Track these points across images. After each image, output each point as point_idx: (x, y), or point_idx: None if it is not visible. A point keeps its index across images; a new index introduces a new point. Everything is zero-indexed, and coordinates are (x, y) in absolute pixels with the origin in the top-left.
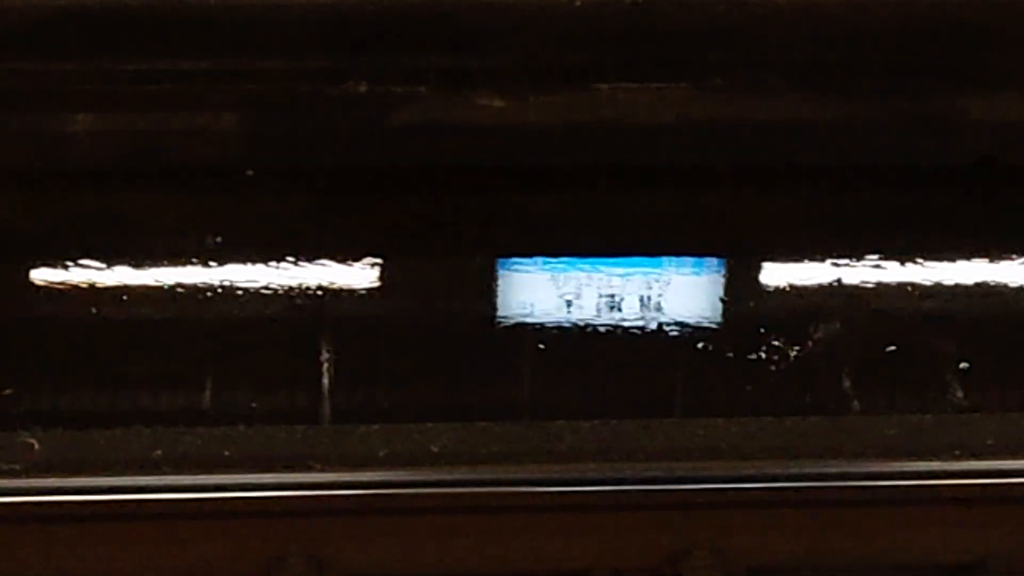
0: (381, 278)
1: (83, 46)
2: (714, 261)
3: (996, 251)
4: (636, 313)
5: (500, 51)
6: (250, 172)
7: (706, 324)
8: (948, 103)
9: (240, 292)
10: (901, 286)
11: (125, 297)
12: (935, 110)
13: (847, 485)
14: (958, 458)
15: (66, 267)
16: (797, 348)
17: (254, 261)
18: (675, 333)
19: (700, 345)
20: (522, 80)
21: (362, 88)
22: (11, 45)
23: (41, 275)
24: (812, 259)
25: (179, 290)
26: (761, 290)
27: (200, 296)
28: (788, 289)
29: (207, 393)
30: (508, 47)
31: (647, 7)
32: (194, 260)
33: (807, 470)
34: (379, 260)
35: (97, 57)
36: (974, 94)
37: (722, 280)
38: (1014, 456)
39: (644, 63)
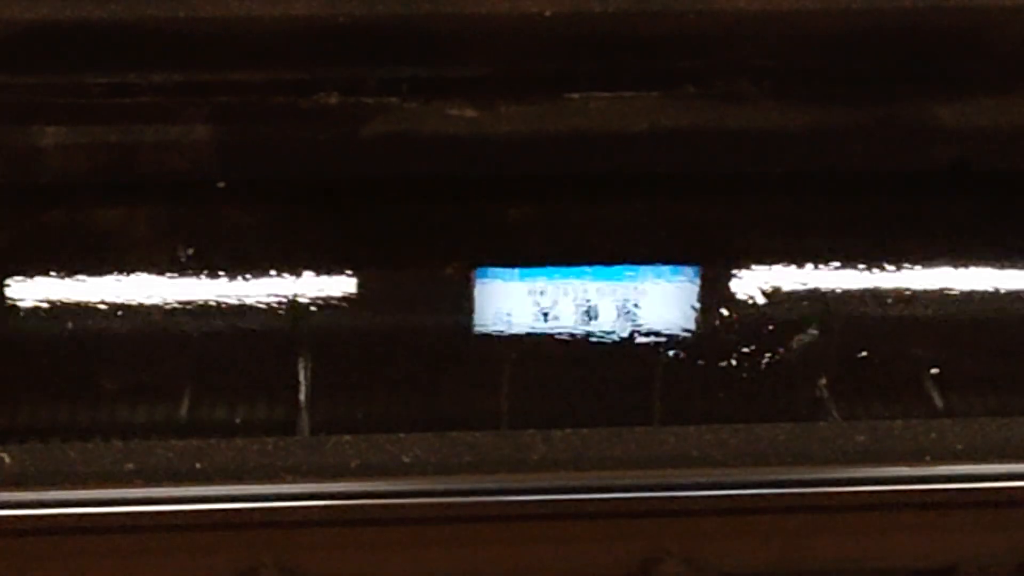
0: (355, 289)
1: (54, 59)
2: (688, 269)
3: (969, 256)
4: (611, 322)
5: (472, 61)
6: (222, 184)
7: (680, 332)
8: (921, 109)
9: (212, 304)
10: (874, 292)
11: (97, 310)
12: (907, 116)
13: (818, 491)
14: (928, 463)
15: (36, 281)
16: (769, 355)
17: (226, 273)
18: (650, 342)
19: (674, 353)
20: (494, 90)
21: (333, 99)
22: None
23: (12, 289)
24: (785, 266)
25: (151, 303)
26: (735, 298)
27: (172, 309)
28: (761, 296)
29: (180, 406)
30: (479, 57)
31: (618, 16)
32: (166, 273)
33: (778, 477)
34: (352, 271)
35: (68, 70)
36: (946, 100)
37: (696, 288)
38: (984, 461)
39: (616, 72)
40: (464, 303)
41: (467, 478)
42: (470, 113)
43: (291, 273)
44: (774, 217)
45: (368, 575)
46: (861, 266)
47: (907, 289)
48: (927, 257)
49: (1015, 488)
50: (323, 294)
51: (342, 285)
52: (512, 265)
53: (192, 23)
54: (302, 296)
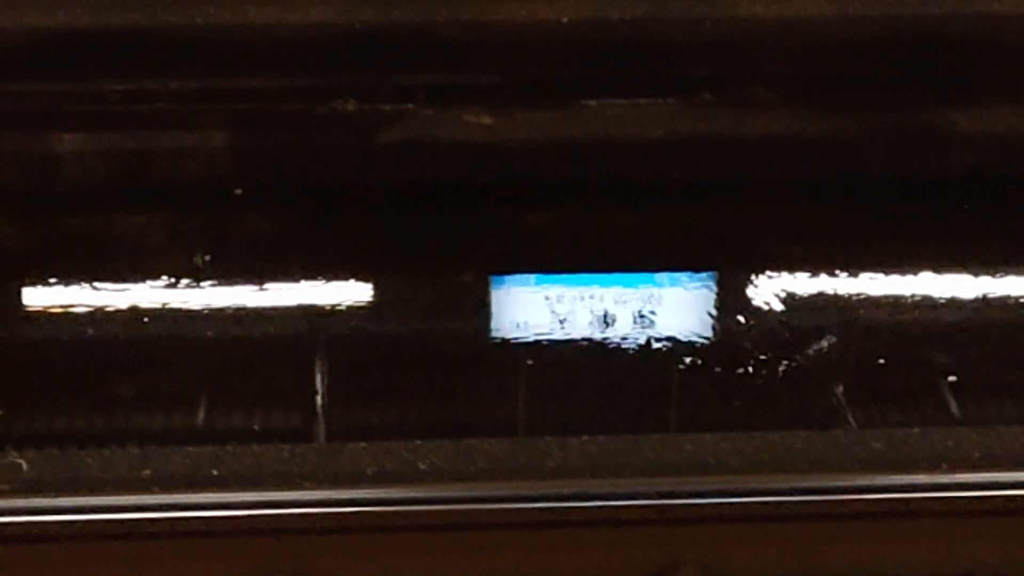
0: (371, 296)
1: (71, 66)
2: (705, 276)
3: (985, 263)
4: (628, 329)
5: (488, 68)
6: (239, 191)
7: (697, 339)
8: (936, 115)
9: (229, 311)
10: (890, 299)
11: (113, 317)
12: (923, 123)
13: (835, 499)
14: (946, 471)
15: (55, 287)
16: (786, 362)
17: (243, 280)
18: (666, 349)
19: (691, 361)
20: (510, 97)
21: (350, 106)
22: None
23: (30, 295)
24: (802, 273)
25: (168, 309)
26: (751, 305)
27: (189, 315)
28: (778, 303)
29: (197, 413)
30: (496, 64)
31: (634, 23)
32: (183, 279)
33: (795, 484)
34: (369, 278)
35: (85, 77)
36: (962, 106)
37: (713, 295)
38: (1002, 469)
39: (632, 79)
40: (480, 310)
41: (483, 485)
42: (486, 120)
43: (308, 279)
44: (790, 224)
45: None
46: (877, 273)
47: (924, 296)
48: (943, 264)
49: None
50: (339, 300)
51: (358, 291)
52: (528, 272)
53: (209, 30)
54: (319, 302)
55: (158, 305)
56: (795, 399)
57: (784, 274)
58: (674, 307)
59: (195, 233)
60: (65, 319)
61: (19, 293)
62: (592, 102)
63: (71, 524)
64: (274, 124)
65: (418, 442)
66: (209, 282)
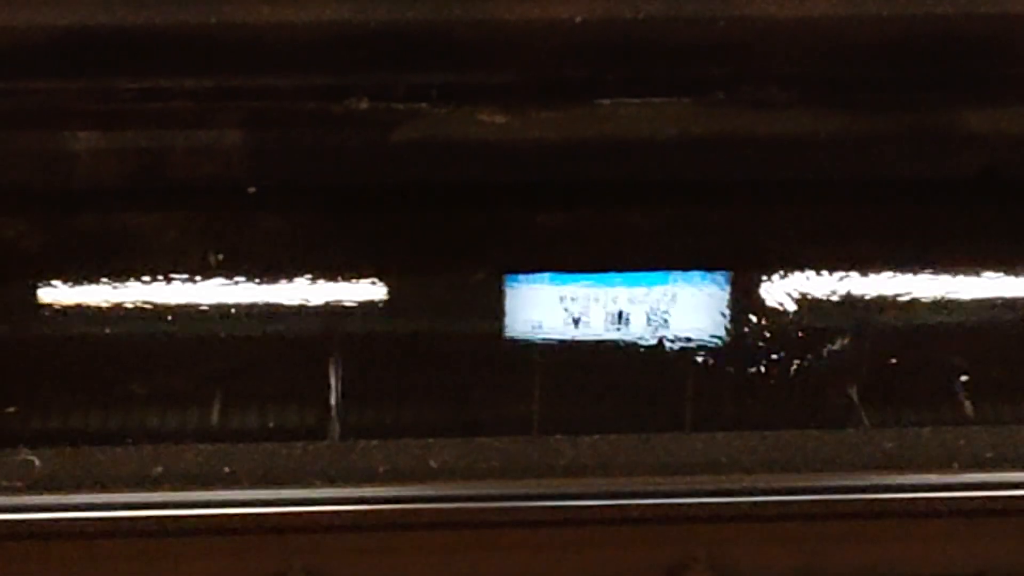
0: (384, 294)
1: (86, 64)
2: (718, 276)
3: (998, 263)
4: (641, 328)
5: (502, 67)
6: (253, 189)
7: (710, 339)
8: (950, 116)
9: (242, 309)
10: (903, 299)
11: (127, 315)
12: (937, 123)
13: (846, 498)
14: (957, 471)
15: (69, 285)
16: (799, 362)
17: (257, 278)
18: (679, 348)
19: (704, 360)
20: (524, 96)
21: (364, 105)
22: (15, 64)
23: (44, 293)
24: (815, 273)
25: (181, 307)
26: (764, 304)
27: (202, 314)
28: (791, 303)
29: (210, 410)
30: (509, 63)
31: (648, 22)
32: (197, 277)
33: (806, 483)
34: (382, 276)
35: (100, 76)
36: (976, 107)
37: (726, 295)
38: (1013, 469)
39: (646, 78)
40: (494, 309)
41: (495, 483)
42: (500, 119)
43: (321, 278)
44: (803, 224)
45: None
46: (890, 273)
47: (936, 296)
48: (956, 264)
49: None
50: (353, 299)
51: (372, 290)
52: (542, 271)
53: (223, 29)
54: (333, 301)
55: (172, 303)
56: (808, 398)
57: (797, 274)
58: (688, 306)
59: (209, 231)
60: (78, 317)
61: (33, 290)
62: (605, 101)
63: (83, 521)
64: (288, 123)
65: (430, 440)
66: (223, 280)
